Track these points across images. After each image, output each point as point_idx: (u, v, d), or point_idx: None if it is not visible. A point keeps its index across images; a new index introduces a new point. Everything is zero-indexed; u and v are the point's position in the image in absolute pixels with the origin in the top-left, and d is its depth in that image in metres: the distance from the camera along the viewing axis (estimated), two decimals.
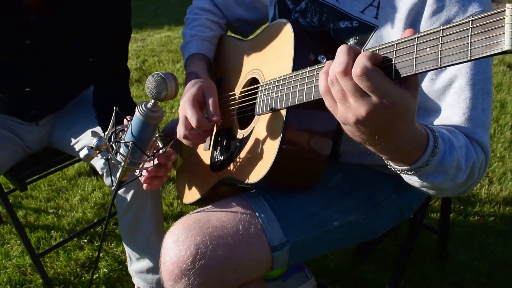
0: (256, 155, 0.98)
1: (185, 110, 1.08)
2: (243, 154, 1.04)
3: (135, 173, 1.04)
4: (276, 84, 0.94)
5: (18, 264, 1.97)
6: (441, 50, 0.58)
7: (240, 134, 1.09)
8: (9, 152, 1.61)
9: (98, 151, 0.93)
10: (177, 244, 0.97)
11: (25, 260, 1.98)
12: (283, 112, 0.92)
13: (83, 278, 1.90)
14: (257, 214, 1.01)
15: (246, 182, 0.99)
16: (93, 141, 0.92)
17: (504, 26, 0.51)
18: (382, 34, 0.96)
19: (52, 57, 1.43)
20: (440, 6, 0.89)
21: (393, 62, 0.64)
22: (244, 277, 0.99)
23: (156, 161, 1.01)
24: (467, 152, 0.86)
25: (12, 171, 1.65)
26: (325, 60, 0.94)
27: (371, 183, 1.15)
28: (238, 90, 1.15)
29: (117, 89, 1.47)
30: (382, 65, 0.65)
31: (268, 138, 0.95)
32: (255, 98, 1.04)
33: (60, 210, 2.33)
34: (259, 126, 1.01)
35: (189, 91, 1.10)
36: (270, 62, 1.03)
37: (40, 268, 1.77)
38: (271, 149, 0.93)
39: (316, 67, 0.81)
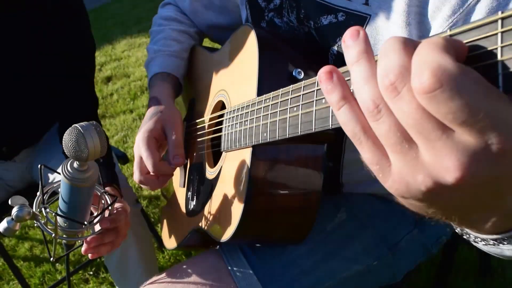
0: (223, 206, 0.77)
1: (139, 149, 0.87)
2: (212, 201, 0.83)
3: (79, 241, 0.84)
4: (240, 113, 0.72)
5: None
6: None
7: (210, 174, 0.87)
8: None
9: (21, 222, 0.74)
10: None
11: None
12: (248, 151, 0.69)
13: None
14: (233, 277, 0.80)
15: (218, 240, 0.78)
16: (13, 211, 0.73)
17: None
18: (378, 25, 0.70)
19: (9, 87, 1.25)
20: None
21: (499, 58, 0.30)
22: None
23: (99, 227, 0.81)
24: None
25: None
26: (302, 76, 0.71)
27: (384, 218, 0.91)
28: (207, 116, 0.93)
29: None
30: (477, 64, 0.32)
31: (235, 186, 0.73)
32: (221, 129, 0.82)
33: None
34: (226, 166, 0.79)
35: (145, 124, 0.89)
36: (236, 81, 0.80)
37: None
38: (237, 201, 0.71)
39: (280, 92, 0.58)
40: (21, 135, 1.45)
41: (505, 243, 0.44)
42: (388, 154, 0.35)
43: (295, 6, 0.82)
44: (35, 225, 0.80)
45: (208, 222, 0.83)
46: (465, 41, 0.31)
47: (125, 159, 1.68)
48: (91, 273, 1.97)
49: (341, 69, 0.42)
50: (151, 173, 0.86)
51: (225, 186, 0.77)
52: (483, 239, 0.46)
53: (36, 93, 1.34)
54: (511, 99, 0.30)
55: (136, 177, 0.88)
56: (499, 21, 0.30)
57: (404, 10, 0.65)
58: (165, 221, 1.14)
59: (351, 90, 0.37)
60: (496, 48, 0.30)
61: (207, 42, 1.24)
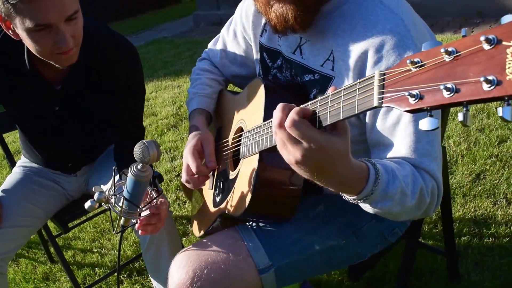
0: (240, 193, 1.17)
1: (186, 159, 1.30)
2: (233, 192, 1.24)
3: (133, 221, 1.25)
4: (253, 133, 1.13)
5: None
6: (342, 106, 0.75)
7: (232, 175, 1.28)
8: (54, 200, 1.89)
9: (99, 203, 1.15)
10: (179, 269, 1.16)
11: None
12: (256, 156, 1.11)
13: None
14: (245, 242, 1.19)
15: (234, 215, 1.18)
16: (95, 195, 1.14)
17: (373, 88, 0.69)
18: (338, 83, 1.13)
19: (79, 120, 1.71)
20: (379, 57, 1.03)
21: (317, 114, 0.81)
22: None
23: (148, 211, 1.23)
24: (414, 180, 0.99)
25: (56, 217, 1.92)
26: None
27: (352, 211, 1.29)
28: (231, 137, 1.35)
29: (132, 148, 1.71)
30: (312, 117, 0.82)
31: (247, 179, 1.14)
32: (240, 144, 1.24)
33: (103, 249, 2.58)
34: (243, 168, 1.21)
35: (190, 142, 1.32)
36: (250, 113, 1.23)
37: None
38: (248, 190, 1.12)
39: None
40: (83, 155, 1.89)
41: (360, 202, 0.94)
42: (282, 149, 0.84)
43: (289, 67, 1.26)
44: (105, 206, 1.21)
45: (230, 205, 1.23)
46: (311, 108, 0.83)
47: (160, 178, 2.10)
48: (125, 276, 2.34)
49: None
50: (195, 175, 1.28)
51: (241, 182, 1.18)
52: (350, 199, 0.95)
53: (97, 125, 1.78)
54: (325, 130, 0.80)
55: (184, 177, 1.30)
56: (318, 101, 0.82)
57: (353, 76, 1.08)
58: (195, 221, 1.54)
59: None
60: (317, 111, 0.81)
61: (230, 87, 1.68)
